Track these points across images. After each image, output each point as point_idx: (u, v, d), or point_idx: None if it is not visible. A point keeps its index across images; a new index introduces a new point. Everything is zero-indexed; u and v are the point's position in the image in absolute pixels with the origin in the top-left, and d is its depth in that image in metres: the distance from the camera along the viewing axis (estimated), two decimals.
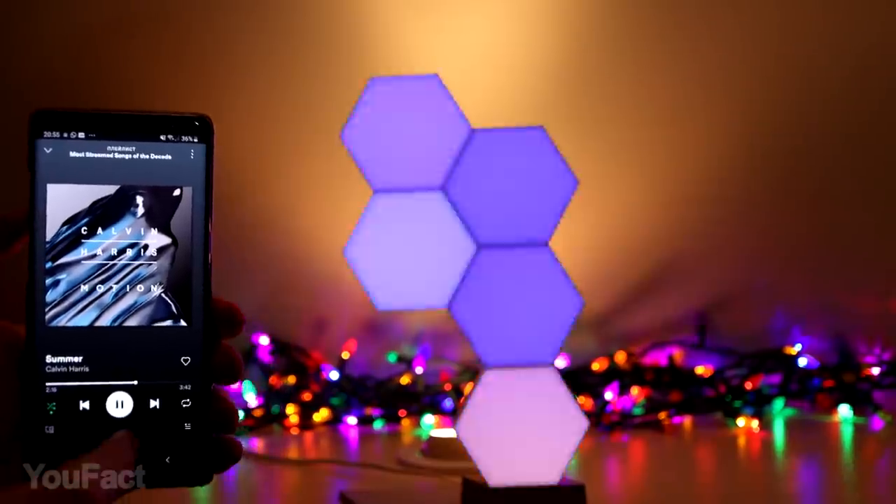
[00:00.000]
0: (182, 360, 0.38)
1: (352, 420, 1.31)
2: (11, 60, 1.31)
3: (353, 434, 1.26)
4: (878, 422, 1.25)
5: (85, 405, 0.38)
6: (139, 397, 0.38)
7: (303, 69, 1.31)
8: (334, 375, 1.35)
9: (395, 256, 0.74)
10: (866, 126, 1.34)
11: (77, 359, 0.38)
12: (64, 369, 0.37)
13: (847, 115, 1.34)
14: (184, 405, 0.38)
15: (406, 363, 1.37)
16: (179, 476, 0.38)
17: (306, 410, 1.31)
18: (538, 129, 0.75)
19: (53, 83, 1.31)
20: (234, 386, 1.33)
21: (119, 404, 0.38)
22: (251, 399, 1.32)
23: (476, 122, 0.76)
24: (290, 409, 1.31)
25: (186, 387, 0.38)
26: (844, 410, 1.29)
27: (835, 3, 1.30)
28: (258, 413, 1.30)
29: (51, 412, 0.37)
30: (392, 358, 1.38)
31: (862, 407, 1.30)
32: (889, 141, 1.35)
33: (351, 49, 1.30)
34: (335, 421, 1.31)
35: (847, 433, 1.20)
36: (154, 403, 0.38)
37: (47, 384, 0.37)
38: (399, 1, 1.29)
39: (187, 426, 0.38)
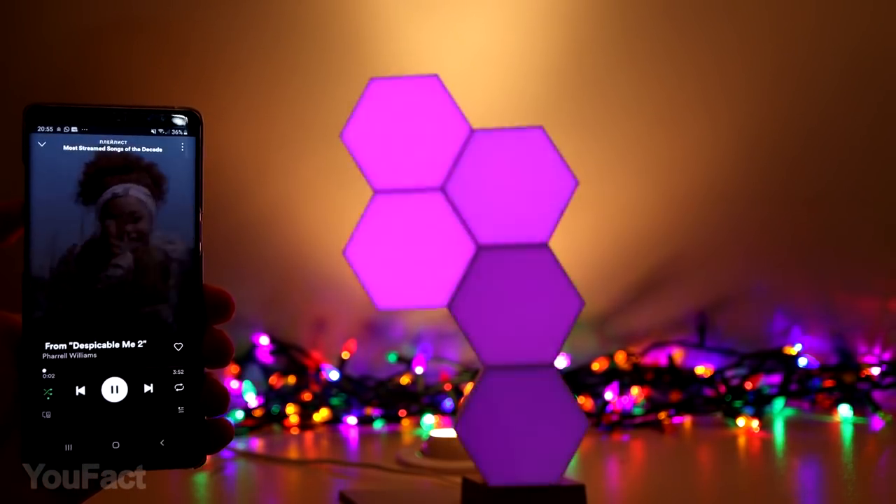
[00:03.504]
0: (175, 345, 0.40)
1: (352, 420, 1.31)
2: (13, 61, 1.31)
3: (353, 434, 1.26)
4: (878, 422, 1.25)
5: (81, 390, 0.39)
6: (133, 382, 0.39)
7: (303, 69, 1.32)
8: (334, 375, 1.35)
9: (395, 256, 0.74)
10: (866, 126, 1.34)
11: (73, 346, 0.39)
12: (60, 356, 0.39)
13: (847, 116, 1.34)
14: (177, 389, 0.40)
15: (406, 363, 1.37)
16: (174, 458, 0.39)
17: (306, 410, 1.31)
18: (538, 129, 0.75)
19: (55, 83, 1.32)
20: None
21: (114, 389, 0.39)
22: (251, 399, 1.32)
23: (476, 122, 0.76)
24: (290, 409, 1.31)
25: (179, 371, 0.40)
26: (844, 410, 1.29)
27: (835, 2, 1.30)
28: (258, 413, 1.30)
29: (48, 397, 0.38)
30: (392, 358, 1.38)
31: (862, 407, 1.30)
32: (889, 141, 1.35)
33: (351, 49, 1.30)
34: (335, 421, 1.31)
35: (847, 433, 1.20)
36: (148, 388, 0.39)
37: (44, 370, 0.38)
38: (399, 1, 1.29)
39: (180, 409, 0.40)
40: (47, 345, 0.38)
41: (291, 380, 1.36)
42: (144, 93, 1.32)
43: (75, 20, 1.29)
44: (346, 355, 1.37)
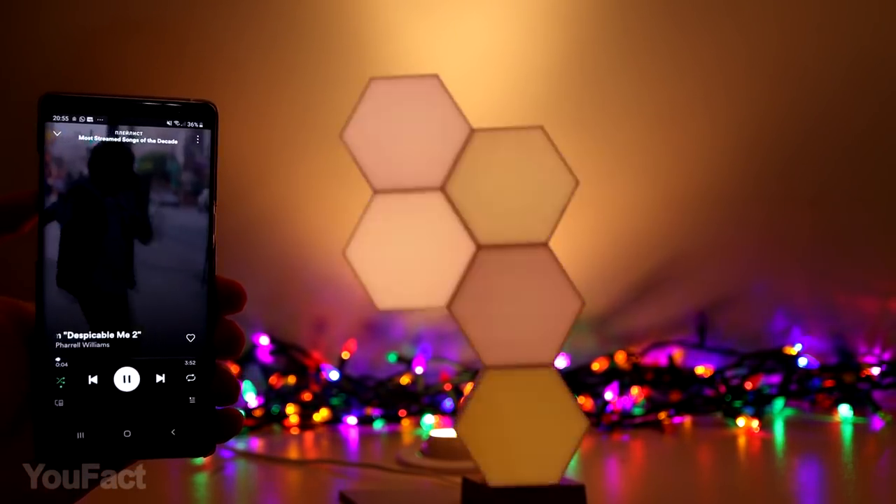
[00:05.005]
0: (187, 336, 0.40)
1: (352, 420, 1.31)
2: (10, 61, 1.31)
3: (353, 434, 1.26)
4: (878, 422, 1.25)
5: (93, 379, 0.39)
6: (146, 372, 0.40)
7: (303, 69, 1.31)
8: (334, 375, 1.35)
9: (395, 256, 0.74)
10: (866, 126, 1.34)
11: (86, 335, 0.39)
12: (73, 345, 0.39)
13: (847, 116, 1.34)
14: (188, 379, 0.40)
15: (406, 363, 1.37)
16: (184, 447, 0.40)
17: (306, 410, 1.31)
18: (538, 129, 0.75)
19: (52, 84, 1.31)
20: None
21: (126, 379, 0.39)
22: (251, 399, 1.32)
23: (476, 122, 0.76)
24: (290, 409, 1.31)
25: (191, 362, 0.40)
26: (844, 410, 1.29)
27: (837, 3, 1.30)
28: (258, 413, 1.30)
29: (60, 386, 0.38)
30: (392, 358, 1.38)
31: (862, 407, 1.30)
32: (889, 141, 1.35)
33: (351, 49, 1.30)
34: (335, 421, 1.31)
35: (847, 433, 1.20)
36: (160, 378, 0.40)
37: (56, 359, 0.38)
38: (399, 1, 1.29)
39: (191, 399, 0.40)
40: (60, 333, 0.38)
41: (291, 380, 1.36)
42: (142, 93, 1.32)
43: (72, 21, 1.29)
44: (346, 355, 1.37)
